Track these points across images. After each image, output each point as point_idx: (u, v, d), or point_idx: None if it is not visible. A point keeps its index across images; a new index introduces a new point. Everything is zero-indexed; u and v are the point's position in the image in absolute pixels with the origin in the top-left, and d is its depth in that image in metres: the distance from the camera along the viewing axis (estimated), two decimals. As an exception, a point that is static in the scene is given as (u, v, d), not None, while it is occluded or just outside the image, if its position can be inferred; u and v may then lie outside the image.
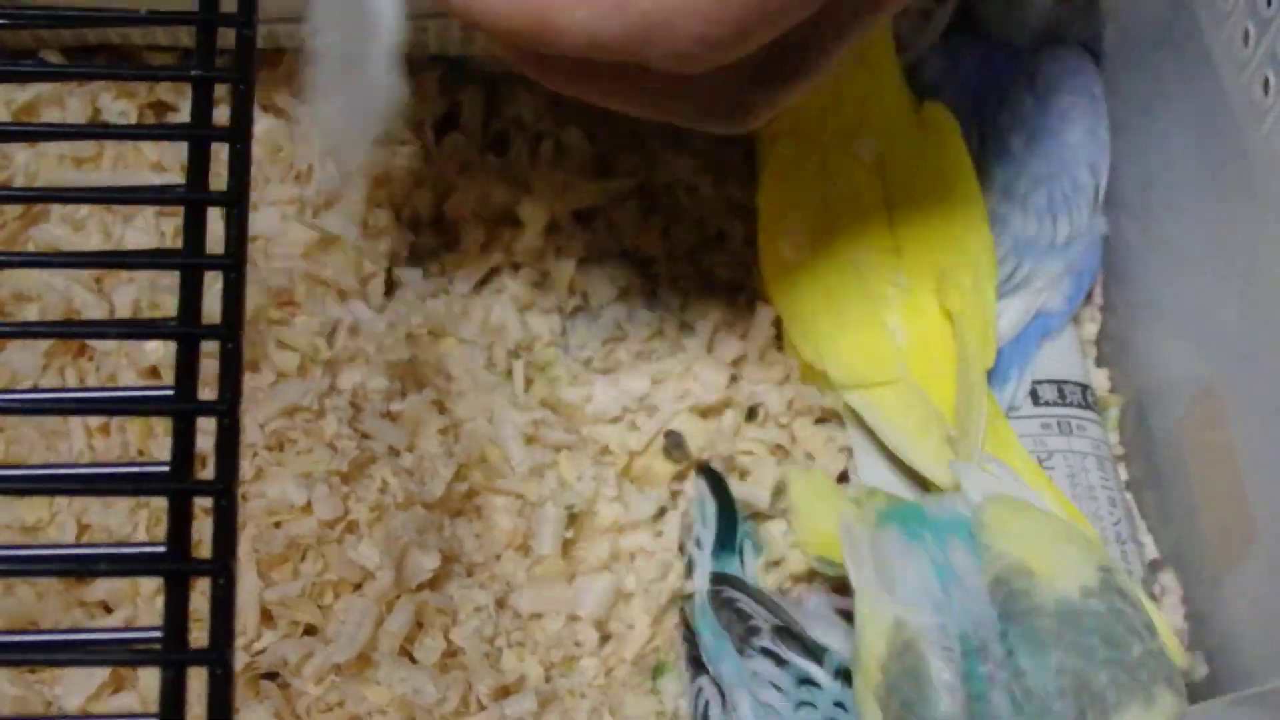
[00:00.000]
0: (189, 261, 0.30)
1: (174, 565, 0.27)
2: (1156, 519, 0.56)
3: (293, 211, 0.54)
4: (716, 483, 0.53)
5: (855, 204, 0.54)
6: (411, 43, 0.54)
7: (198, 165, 0.31)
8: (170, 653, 0.26)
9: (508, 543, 0.51)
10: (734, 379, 0.56)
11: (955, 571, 0.46)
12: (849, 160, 0.55)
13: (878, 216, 0.54)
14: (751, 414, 0.56)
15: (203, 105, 0.33)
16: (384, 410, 0.51)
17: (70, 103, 0.54)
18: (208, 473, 0.28)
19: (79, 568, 0.33)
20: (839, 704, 0.46)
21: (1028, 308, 0.57)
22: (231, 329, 0.29)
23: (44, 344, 0.50)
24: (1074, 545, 0.46)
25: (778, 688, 0.46)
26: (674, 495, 0.54)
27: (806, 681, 0.46)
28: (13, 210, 0.52)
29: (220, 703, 0.26)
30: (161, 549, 0.27)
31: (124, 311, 0.50)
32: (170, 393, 0.28)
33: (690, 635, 0.50)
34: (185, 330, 0.29)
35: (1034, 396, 0.57)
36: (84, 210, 0.53)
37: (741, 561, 0.51)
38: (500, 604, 0.50)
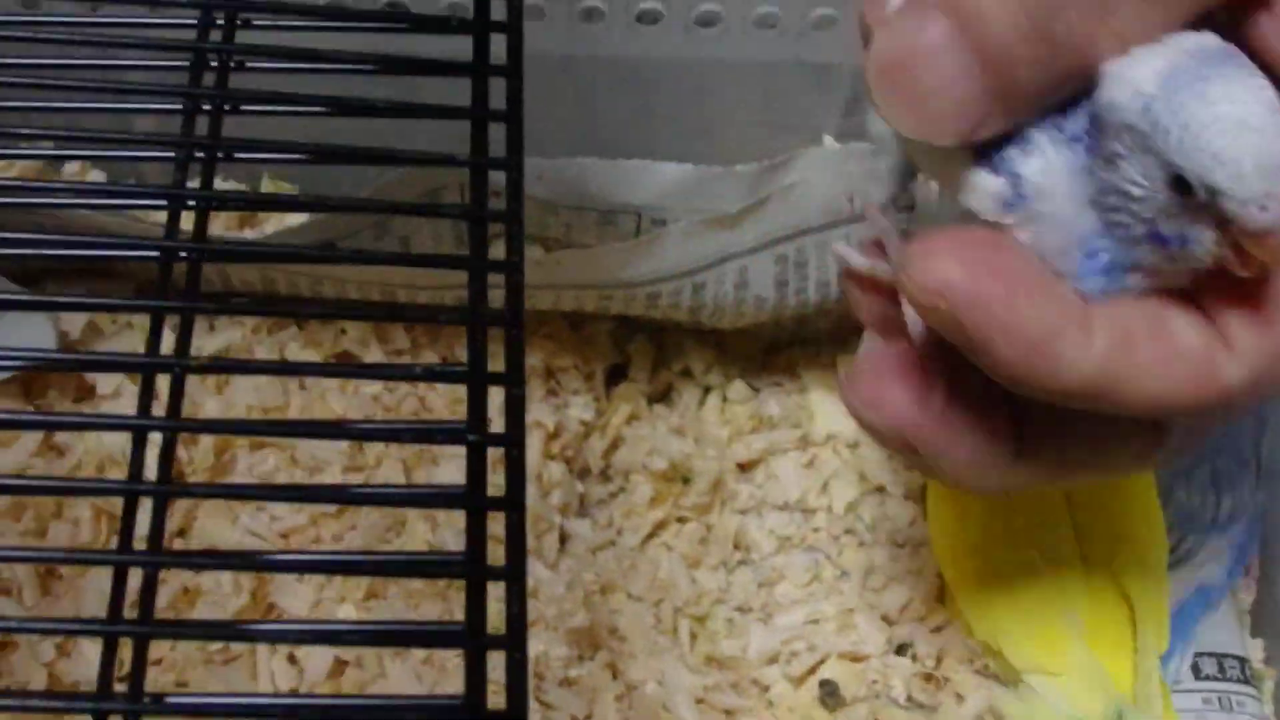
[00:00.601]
0: (475, 437, 0.31)
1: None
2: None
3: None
4: None
5: (1038, 497, 0.55)
6: (595, 304, 0.55)
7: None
8: None
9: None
10: (891, 629, 0.56)
11: None
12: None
13: (1058, 500, 0.55)
14: (901, 650, 0.56)
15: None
16: (564, 677, 0.51)
17: (258, 350, 0.55)
18: None
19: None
20: None
21: (1189, 581, 0.58)
22: (516, 503, 0.31)
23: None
24: None
25: None
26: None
27: None
28: (202, 463, 0.53)
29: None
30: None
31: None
32: (463, 557, 0.30)
33: None
34: (473, 504, 0.31)
35: (1195, 670, 0.57)
36: (270, 463, 0.53)
37: None
38: None
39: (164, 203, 0.36)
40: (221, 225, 0.57)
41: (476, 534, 0.32)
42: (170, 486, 0.32)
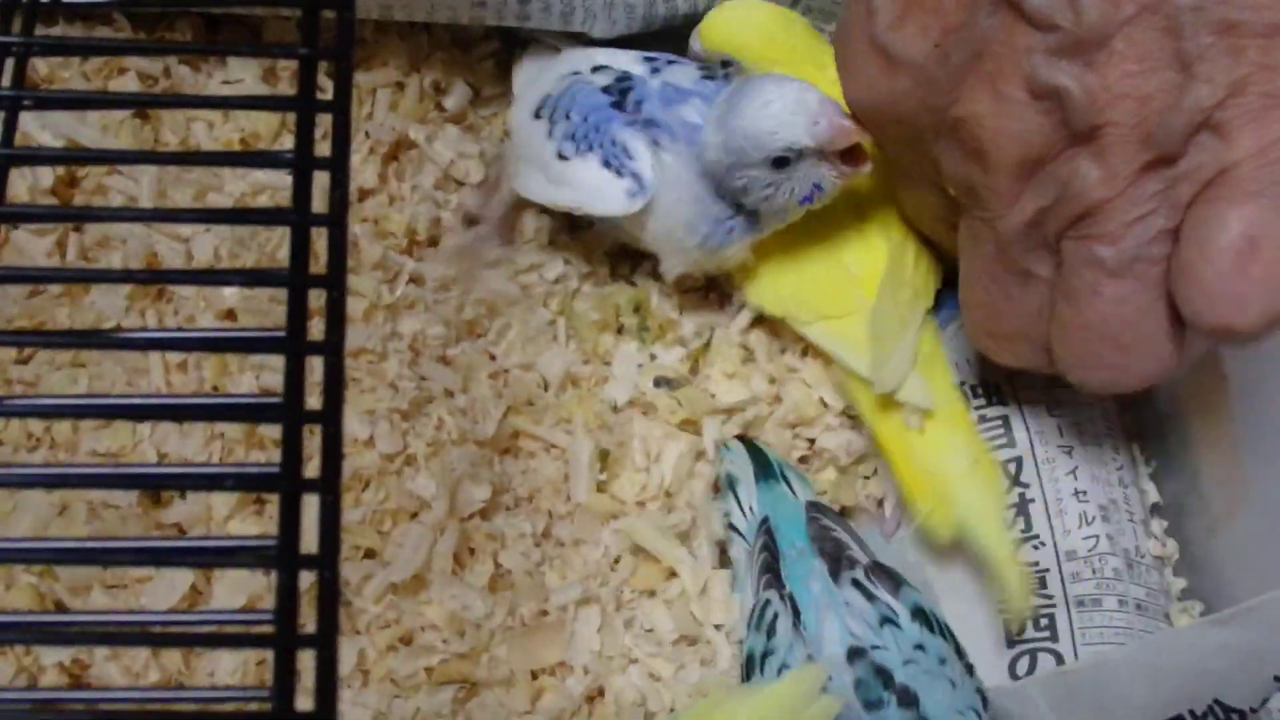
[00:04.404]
0: (299, 220, 0.33)
1: (289, 486, 0.30)
2: (1158, 468, 0.60)
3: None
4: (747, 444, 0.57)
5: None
6: (469, 13, 0.58)
7: (304, 134, 0.34)
8: (285, 561, 0.29)
9: (550, 479, 0.56)
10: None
11: None
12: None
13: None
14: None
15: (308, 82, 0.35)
16: (440, 355, 0.56)
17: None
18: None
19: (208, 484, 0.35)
20: (919, 646, 0.48)
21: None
22: (337, 278, 0.32)
23: (126, 287, 0.55)
24: None
25: (865, 621, 0.49)
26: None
27: (889, 621, 0.48)
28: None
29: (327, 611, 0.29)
30: (276, 469, 0.30)
31: (204, 260, 0.55)
32: (284, 334, 0.32)
33: (771, 546, 0.52)
34: (298, 281, 0.32)
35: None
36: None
37: (791, 489, 0.55)
38: (545, 534, 0.54)
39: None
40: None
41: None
42: None
